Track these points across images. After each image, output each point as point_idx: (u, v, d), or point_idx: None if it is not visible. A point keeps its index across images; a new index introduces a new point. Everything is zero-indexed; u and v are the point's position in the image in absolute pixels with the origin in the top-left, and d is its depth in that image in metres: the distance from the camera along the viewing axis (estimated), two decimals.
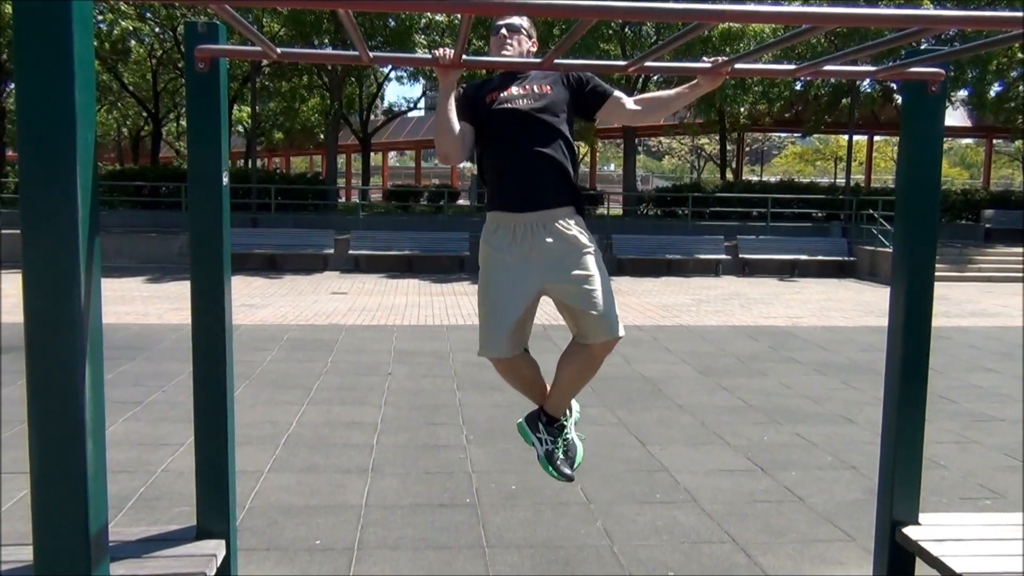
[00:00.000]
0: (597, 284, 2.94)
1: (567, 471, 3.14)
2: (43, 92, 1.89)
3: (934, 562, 3.03)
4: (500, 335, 2.99)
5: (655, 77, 21.49)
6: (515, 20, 3.05)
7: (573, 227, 2.99)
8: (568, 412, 3.29)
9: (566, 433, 3.22)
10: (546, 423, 3.19)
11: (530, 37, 3.08)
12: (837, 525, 4.35)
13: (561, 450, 3.16)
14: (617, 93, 3.09)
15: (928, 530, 3.21)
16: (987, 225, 23.16)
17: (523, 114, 2.95)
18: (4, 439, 5.42)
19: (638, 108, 3.08)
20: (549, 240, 2.94)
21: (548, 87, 3.01)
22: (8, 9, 17.35)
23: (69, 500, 1.97)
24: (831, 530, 4.29)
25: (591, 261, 2.98)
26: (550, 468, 3.14)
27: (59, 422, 1.96)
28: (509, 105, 2.97)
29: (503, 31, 3.02)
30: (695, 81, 2.95)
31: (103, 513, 2.08)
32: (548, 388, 3.22)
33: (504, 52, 3.02)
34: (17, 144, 1.94)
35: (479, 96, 3.03)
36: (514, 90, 3.00)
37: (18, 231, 1.94)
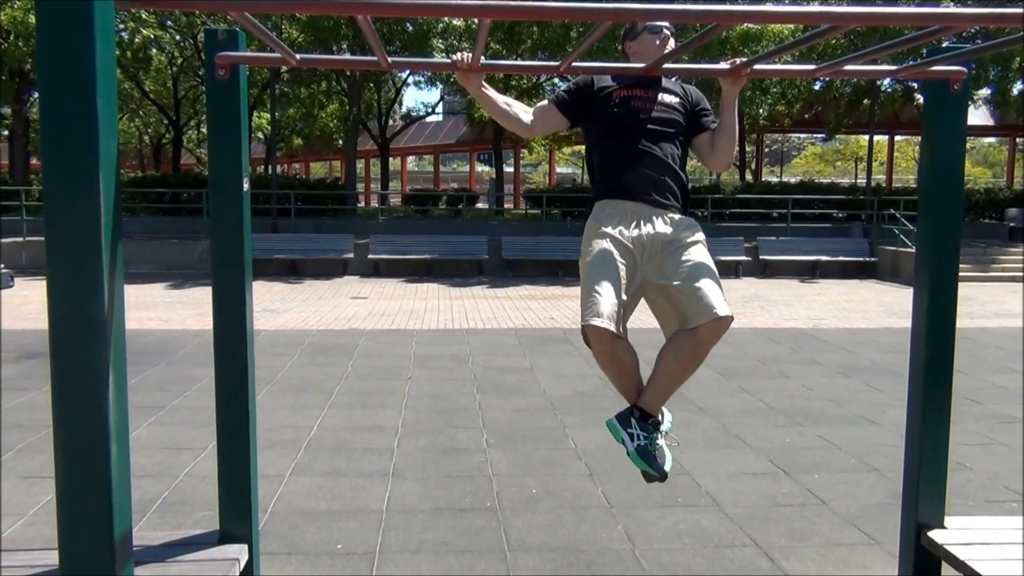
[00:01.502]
0: (702, 265, 2.89)
1: (660, 465, 2.93)
2: (66, 101, 1.91)
3: (961, 566, 2.99)
4: (608, 302, 2.79)
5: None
6: (670, 26, 3.06)
7: (684, 220, 3.00)
8: (662, 414, 3.11)
9: (660, 431, 3.02)
10: (639, 419, 2.98)
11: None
12: (861, 529, 4.31)
13: (655, 447, 2.96)
14: (712, 129, 3.11)
15: (954, 534, 3.17)
16: (1011, 224, 22.88)
17: (648, 118, 2.97)
18: (31, 443, 5.48)
19: (712, 147, 3.10)
20: (660, 226, 2.93)
21: (672, 99, 3.04)
22: (32, 19, 17.58)
23: (94, 504, 1.99)
24: (855, 534, 4.25)
25: (698, 249, 2.94)
26: (643, 463, 2.92)
27: (83, 427, 1.98)
28: (635, 105, 2.99)
29: (666, 31, 3.01)
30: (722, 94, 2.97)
31: (127, 517, 2.09)
32: (643, 385, 3.06)
33: (665, 52, 2.99)
34: (40, 152, 1.95)
35: (599, 91, 3.03)
36: (640, 93, 3.01)
37: (42, 238, 1.96)
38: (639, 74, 2.96)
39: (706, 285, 2.82)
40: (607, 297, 2.80)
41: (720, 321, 2.78)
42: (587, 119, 3.09)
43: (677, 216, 2.98)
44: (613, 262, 2.89)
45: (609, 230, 2.93)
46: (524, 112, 3.09)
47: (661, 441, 3.01)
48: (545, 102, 3.13)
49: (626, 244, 2.91)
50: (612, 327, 2.78)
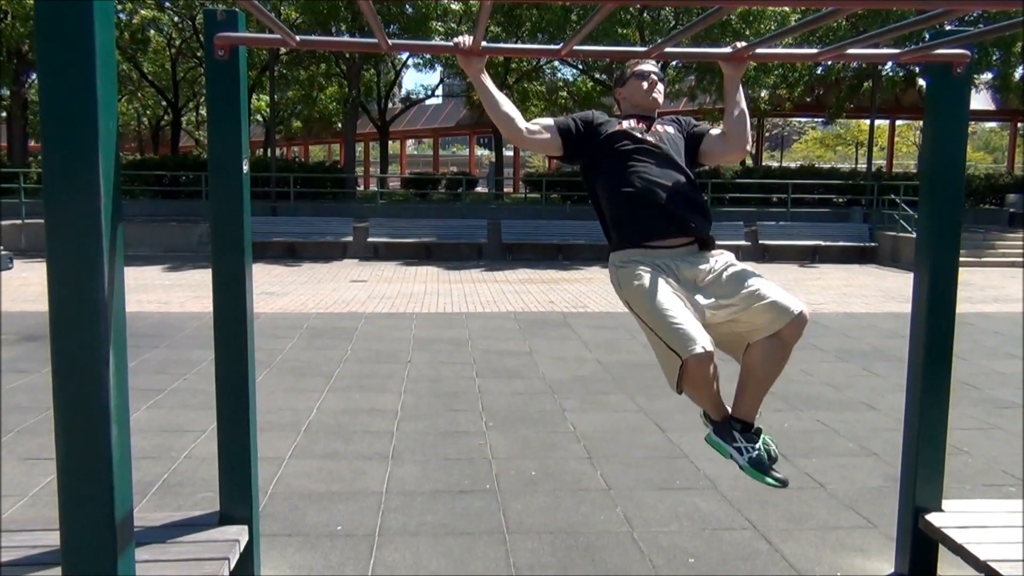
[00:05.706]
0: (753, 276, 2.85)
1: (780, 476, 2.88)
2: (65, 82, 1.90)
3: (958, 549, 3.01)
4: (692, 324, 2.70)
5: (675, 62, 21.35)
6: (659, 70, 3.09)
7: (712, 252, 2.94)
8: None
9: (764, 437, 2.94)
10: (741, 430, 2.91)
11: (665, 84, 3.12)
12: (859, 512, 4.32)
13: (766, 454, 2.89)
14: (712, 129, 3.10)
15: (952, 517, 3.19)
16: (1011, 210, 22.82)
17: (659, 150, 2.94)
18: (30, 425, 5.49)
19: (724, 132, 3.06)
20: (693, 264, 2.88)
21: (671, 128, 3.04)
22: (30, 1, 17.48)
23: (95, 486, 2.00)
24: (853, 517, 4.27)
25: (740, 267, 2.91)
26: (760, 475, 2.86)
27: (84, 409, 1.98)
28: (643, 138, 2.94)
29: (653, 76, 3.04)
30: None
31: (128, 499, 2.10)
32: (721, 399, 2.99)
33: (655, 96, 3.03)
34: (40, 134, 1.95)
35: (599, 126, 2.99)
36: (642, 126, 2.98)
37: (41, 220, 1.95)
38: (640, 59, 2.95)
39: (770, 291, 2.79)
40: (687, 320, 2.71)
41: (799, 318, 2.76)
42: (589, 155, 2.99)
43: (704, 250, 2.93)
44: (668, 287, 2.79)
45: (650, 271, 2.82)
46: (518, 115, 2.95)
47: (771, 441, 2.95)
48: (548, 120, 3.00)
49: (674, 281, 2.83)
50: (709, 347, 2.68)
